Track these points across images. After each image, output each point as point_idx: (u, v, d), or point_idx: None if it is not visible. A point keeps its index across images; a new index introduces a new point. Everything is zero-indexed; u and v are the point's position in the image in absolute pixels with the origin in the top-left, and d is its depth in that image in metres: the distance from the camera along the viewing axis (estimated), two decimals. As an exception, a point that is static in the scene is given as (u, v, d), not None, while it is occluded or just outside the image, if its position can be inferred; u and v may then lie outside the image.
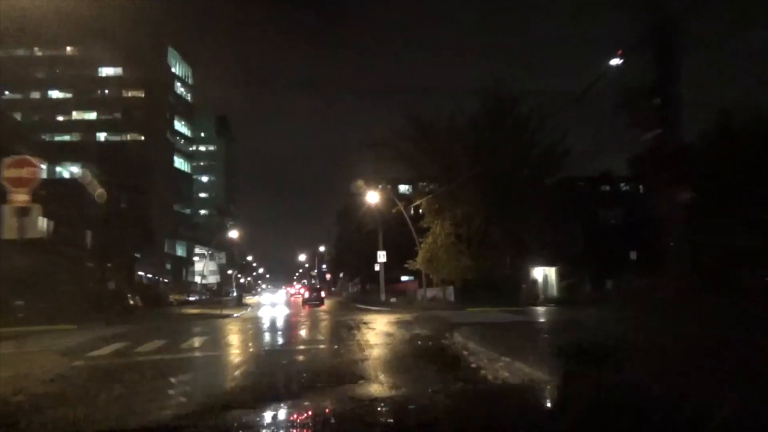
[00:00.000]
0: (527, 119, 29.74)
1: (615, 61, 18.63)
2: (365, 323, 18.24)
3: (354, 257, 58.03)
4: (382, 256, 40.90)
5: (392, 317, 22.17)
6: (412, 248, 58.71)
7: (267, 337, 15.48)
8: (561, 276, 39.25)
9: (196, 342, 13.82)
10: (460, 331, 12.64)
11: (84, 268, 43.86)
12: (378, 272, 44.07)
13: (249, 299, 60.20)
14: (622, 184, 48.30)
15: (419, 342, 12.40)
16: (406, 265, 34.22)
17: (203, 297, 64.77)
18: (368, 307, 35.36)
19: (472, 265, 29.86)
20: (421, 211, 38.23)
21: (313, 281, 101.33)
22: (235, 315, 30.00)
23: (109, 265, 48.25)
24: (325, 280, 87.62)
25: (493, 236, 31.07)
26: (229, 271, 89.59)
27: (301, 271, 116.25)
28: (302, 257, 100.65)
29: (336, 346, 11.79)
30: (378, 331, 15.75)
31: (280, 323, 21.61)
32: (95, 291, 38.37)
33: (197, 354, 11.31)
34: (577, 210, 38.74)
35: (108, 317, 26.26)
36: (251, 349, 12.07)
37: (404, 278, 58.93)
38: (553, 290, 38.99)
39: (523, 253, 34.74)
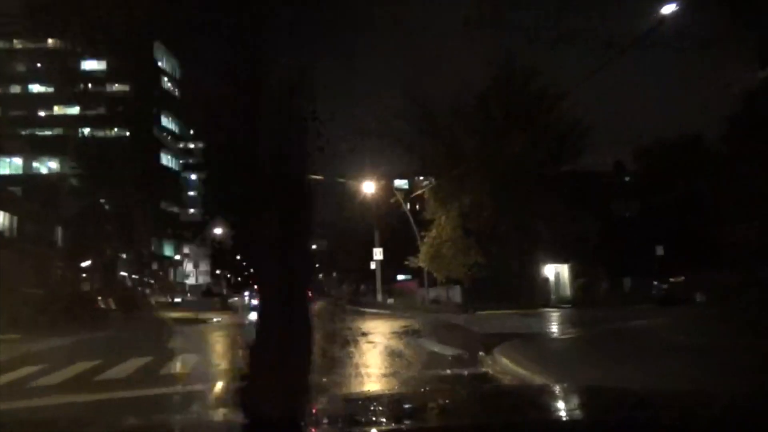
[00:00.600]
0: (542, 95, 25.76)
1: (669, 8, 14.77)
2: (364, 334, 14.23)
3: (347, 255, 53.99)
4: (378, 253, 36.90)
5: (395, 324, 18.17)
6: (409, 246, 54.64)
7: (234, 357, 11.38)
8: (574, 274, 35.38)
9: (131, 366, 9.76)
10: (504, 350, 8.64)
11: (52, 268, 39.61)
12: (373, 271, 40.13)
13: (238, 301, 55.85)
14: (627, 178, 44.63)
15: (448, 371, 8.36)
16: (406, 263, 30.19)
17: (188, 298, 60.37)
18: (365, 310, 31.35)
19: (481, 261, 25.86)
20: (418, 206, 34.31)
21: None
22: (214, 320, 25.95)
23: (83, 265, 44.08)
24: (319, 279, 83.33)
25: (503, 229, 27.12)
26: (218, 271, 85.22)
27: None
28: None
29: (326, 380, 7.73)
30: (382, 347, 11.76)
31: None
32: (61, 294, 34.19)
33: (108, 395, 7.22)
34: (589, 202, 34.75)
35: (70, 324, 22.62)
36: (199, 387, 7.96)
37: (400, 277, 54.99)
38: (566, 289, 35.10)
39: (533, 248, 30.81)
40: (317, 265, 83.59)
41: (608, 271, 35.88)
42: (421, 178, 63.18)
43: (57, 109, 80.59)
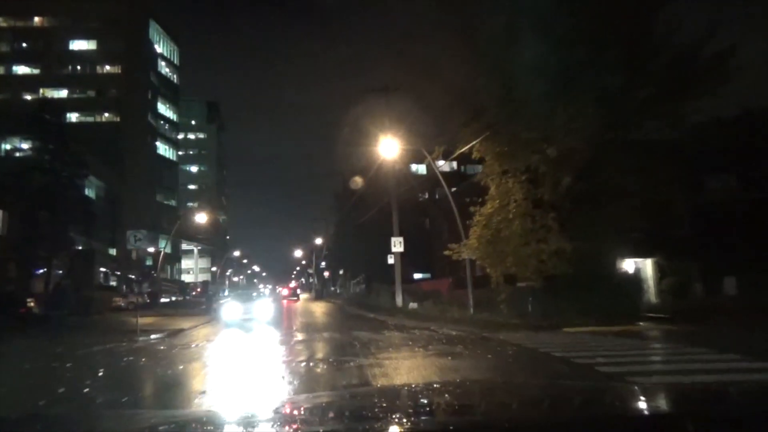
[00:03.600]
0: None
1: None
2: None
3: (356, 250, 44.34)
4: (397, 243, 27.17)
5: (460, 364, 8.44)
6: (427, 240, 44.90)
7: None
8: (661, 271, 25.58)
9: None
10: None
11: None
12: (389, 266, 30.41)
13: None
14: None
15: None
16: (447, 252, 20.27)
17: (175, 298, 50.99)
18: (383, 319, 21.65)
19: (566, 249, 16.05)
20: (454, 188, 24.60)
21: (311, 280, 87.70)
22: (157, 339, 16.34)
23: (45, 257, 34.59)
24: (323, 278, 73.50)
25: (591, 204, 17.32)
26: (213, 268, 75.90)
27: (298, 268, 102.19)
28: (299, 253, 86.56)
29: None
30: None
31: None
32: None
33: None
34: (678, 176, 24.56)
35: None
36: None
37: (417, 276, 45.31)
38: (650, 292, 25.27)
39: (606, 235, 20.70)
40: (323, 263, 73.89)
41: (704, 268, 26.09)
42: (442, 162, 53.41)
43: (43, 92, 71.19)
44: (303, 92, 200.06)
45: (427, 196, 50.11)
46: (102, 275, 52.49)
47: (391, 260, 28.69)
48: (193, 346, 13.45)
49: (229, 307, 19.52)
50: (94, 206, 49.81)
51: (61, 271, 37.10)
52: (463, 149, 17.34)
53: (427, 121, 26.81)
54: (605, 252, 19.35)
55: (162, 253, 35.09)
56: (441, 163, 54.70)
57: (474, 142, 16.28)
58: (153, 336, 16.74)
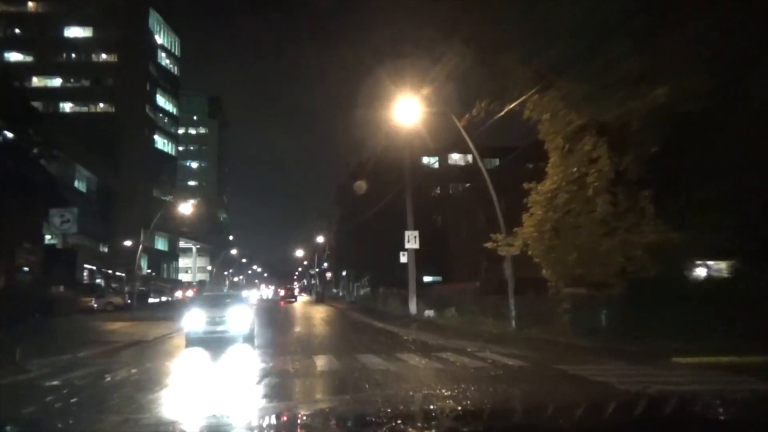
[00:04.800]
0: None
1: None
2: None
3: (361, 248, 39.23)
4: (412, 238, 22.04)
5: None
6: (439, 240, 39.48)
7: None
8: (737, 277, 20.27)
9: None
10: None
11: None
12: (401, 266, 25.19)
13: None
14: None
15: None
16: (488, 245, 14.97)
17: (166, 299, 45.94)
18: (396, 331, 16.51)
19: (674, 241, 10.97)
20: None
21: (313, 281, 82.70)
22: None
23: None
24: (325, 279, 68.26)
25: (686, 180, 12.24)
26: (209, 267, 70.87)
27: (300, 269, 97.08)
28: (301, 253, 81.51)
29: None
30: None
31: None
32: None
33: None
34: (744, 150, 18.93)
35: None
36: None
37: (427, 279, 40.05)
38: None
39: (699, 228, 15.34)
40: (325, 264, 68.61)
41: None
42: (456, 155, 48.26)
43: (36, 81, 66.41)
44: (307, 90, 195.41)
45: (439, 191, 45.09)
46: (87, 273, 47.79)
47: (403, 258, 23.52)
48: (106, 378, 8.29)
49: (191, 316, 14.22)
50: (82, 198, 45.21)
51: (26, 269, 32.23)
52: (515, 104, 12.13)
53: (451, 91, 21.51)
54: (695, 250, 14.24)
55: (141, 247, 30.18)
56: (455, 156, 48.78)
57: (539, 86, 11.02)
58: (80, 354, 11.67)
